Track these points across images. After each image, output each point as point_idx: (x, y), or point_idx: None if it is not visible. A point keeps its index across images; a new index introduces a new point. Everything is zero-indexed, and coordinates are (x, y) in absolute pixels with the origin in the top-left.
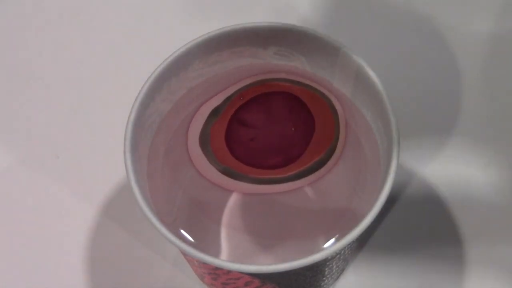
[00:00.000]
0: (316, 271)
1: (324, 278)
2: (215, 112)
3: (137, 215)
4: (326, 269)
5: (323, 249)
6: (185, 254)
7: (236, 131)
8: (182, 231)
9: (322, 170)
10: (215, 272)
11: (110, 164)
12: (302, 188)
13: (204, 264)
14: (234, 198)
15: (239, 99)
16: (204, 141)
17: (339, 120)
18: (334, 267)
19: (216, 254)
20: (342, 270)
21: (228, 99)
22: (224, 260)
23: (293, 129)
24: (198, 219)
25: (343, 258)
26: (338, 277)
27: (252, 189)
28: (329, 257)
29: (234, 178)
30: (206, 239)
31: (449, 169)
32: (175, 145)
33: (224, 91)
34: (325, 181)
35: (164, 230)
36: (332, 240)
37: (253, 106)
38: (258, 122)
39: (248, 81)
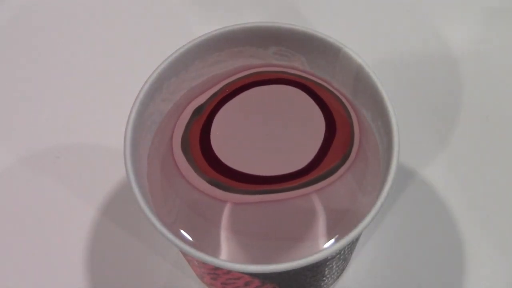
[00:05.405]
0: (316, 271)
1: (324, 278)
2: (198, 112)
3: (137, 215)
4: (326, 269)
5: (323, 249)
6: (185, 254)
7: (210, 137)
8: (182, 231)
9: (331, 178)
10: (215, 272)
11: (110, 164)
12: (306, 195)
13: (204, 264)
14: (230, 205)
15: (225, 91)
16: (186, 147)
17: (353, 120)
18: (334, 267)
19: (216, 254)
20: (342, 270)
21: (214, 95)
22: (224, 260)
23: (300, 131)
24: (198, 221)
25: (343, 258)
26: (338, 277)
27: (248, 199)
28: (329, 257)
29: (225, 190)
30: (206, 239)
31: (449, 169)
32: (167, 150)
33: (213, 87)
34: (332, 187)
35: (164, 230)
36: (332, 240)
37: (241, 102)
38: (247, 122)
39: (242, 74)
